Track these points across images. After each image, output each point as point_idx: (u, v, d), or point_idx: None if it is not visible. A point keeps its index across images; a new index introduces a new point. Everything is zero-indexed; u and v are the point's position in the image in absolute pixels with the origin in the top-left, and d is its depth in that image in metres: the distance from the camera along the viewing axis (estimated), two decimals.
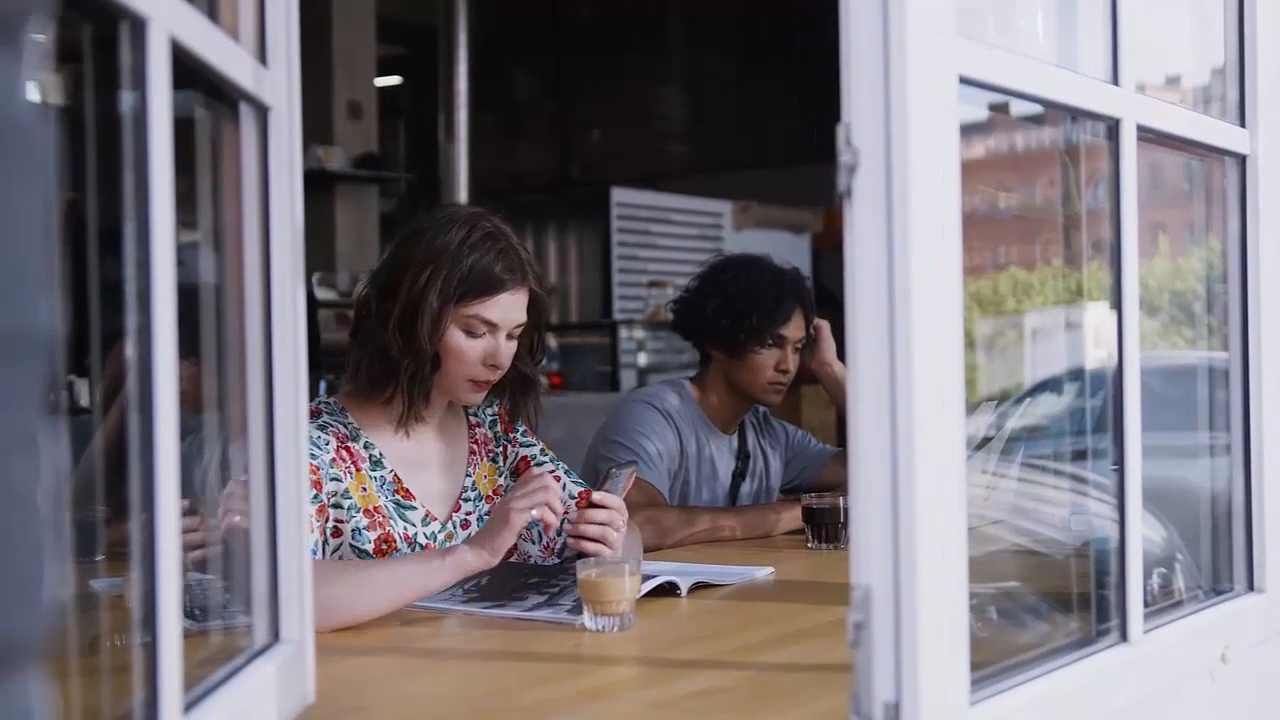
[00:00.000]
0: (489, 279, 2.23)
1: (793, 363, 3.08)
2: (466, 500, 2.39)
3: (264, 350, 1.39)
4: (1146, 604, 1.61)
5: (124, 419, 1.04)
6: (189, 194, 1.27)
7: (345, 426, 2.28)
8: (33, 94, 0.59)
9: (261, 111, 1.38)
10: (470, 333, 2.25)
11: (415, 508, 2.30)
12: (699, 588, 2.24)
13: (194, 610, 1.35)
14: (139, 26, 1.02)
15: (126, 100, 1.04)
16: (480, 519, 2.38)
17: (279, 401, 1.40)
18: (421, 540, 2.28)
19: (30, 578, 0.56)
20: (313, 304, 4.38)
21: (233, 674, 1.27)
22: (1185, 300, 2.17)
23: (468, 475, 2.41)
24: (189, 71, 1.14)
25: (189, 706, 1.11)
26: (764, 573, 2.42)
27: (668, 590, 2.16)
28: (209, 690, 1.20)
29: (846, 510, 2.74)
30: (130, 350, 1.03)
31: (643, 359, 7.69)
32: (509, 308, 2.27)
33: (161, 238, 1.04)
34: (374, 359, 2.25)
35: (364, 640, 1.91)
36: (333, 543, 2.19)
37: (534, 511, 2.02)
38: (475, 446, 2.44)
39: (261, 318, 1.38)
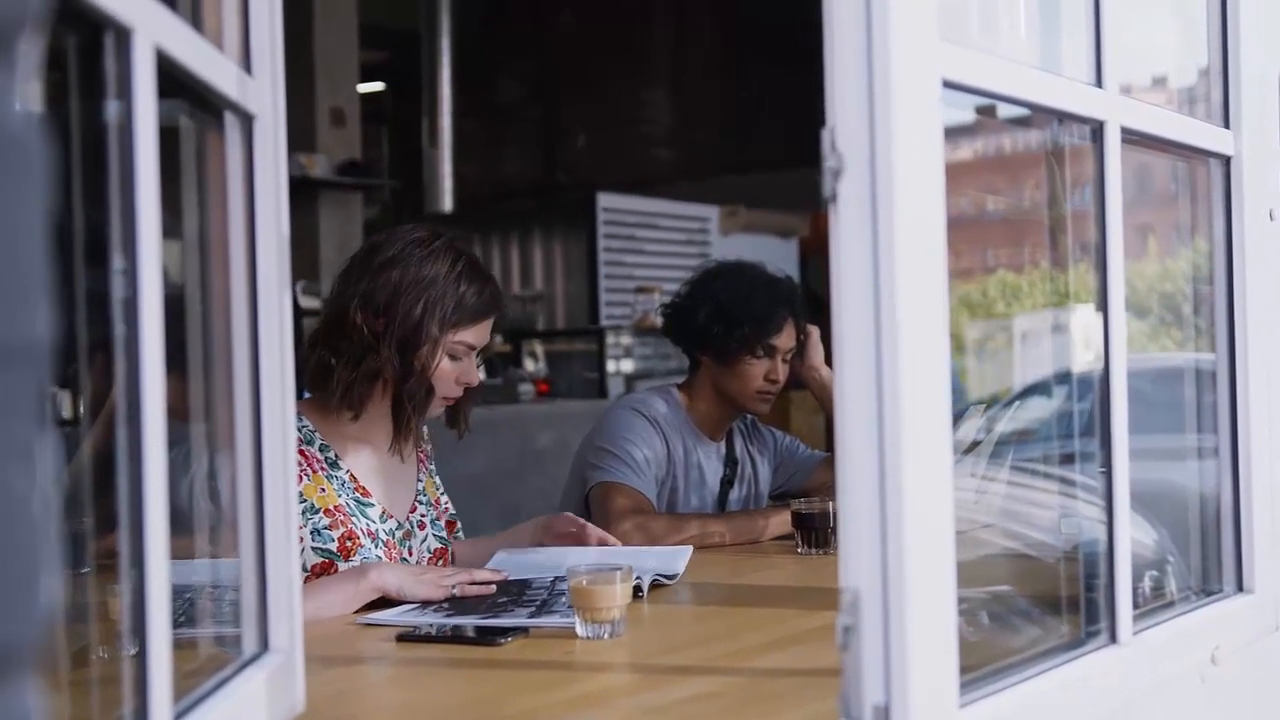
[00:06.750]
0: (479, 308, 2.36)
1: (782, 372, 3.07)
2: (421, 503, 2.49)
3: (251, 360, 1.38)
4: (1137, 606, 1.62)
5: (111, 429, 1.04)
6: (173, 203, 1.27)
7: (300, 430, 2.31)
8: (26, 104, 0.59)
9: (246, 120, 1.37)
10: (453, 357, 2.36)
11: (373, 504, 2.38)
12: (658, 586, 2.27)
13: (179, 619, 1.34)
14: (124, 36, 1.02)
15: (111, 109, 1.03)
16: (433, 522, 2.50)
17: (266, 411, 1.40)
18: (383, 536, 2.36)
19: (27, 585, 0.56)
20: (297, 312, 4.41)
21: (222, 683, 1.27)
22: (1174, 302, 2.17)
23: (419, 481, 2.51)
24: (172, 80, 1.14)
25: (179, 716, 1.11)
26: (684, 552, 2.45)
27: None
28: (199, 700, 1.20)
29: (836, 515, 2.74)
30: (118, 360, 1.02)
31: (630, 365, 7.66)
32: (487, 331, 2.41)
33: (147, 247, 1.03)
34: (364, 379, 2.31)
35: (353, 650, 1.90)
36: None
37: (455, 590, 2.18)
38: (422, 457, 2.55)
39: (248, 327, 1.38)
